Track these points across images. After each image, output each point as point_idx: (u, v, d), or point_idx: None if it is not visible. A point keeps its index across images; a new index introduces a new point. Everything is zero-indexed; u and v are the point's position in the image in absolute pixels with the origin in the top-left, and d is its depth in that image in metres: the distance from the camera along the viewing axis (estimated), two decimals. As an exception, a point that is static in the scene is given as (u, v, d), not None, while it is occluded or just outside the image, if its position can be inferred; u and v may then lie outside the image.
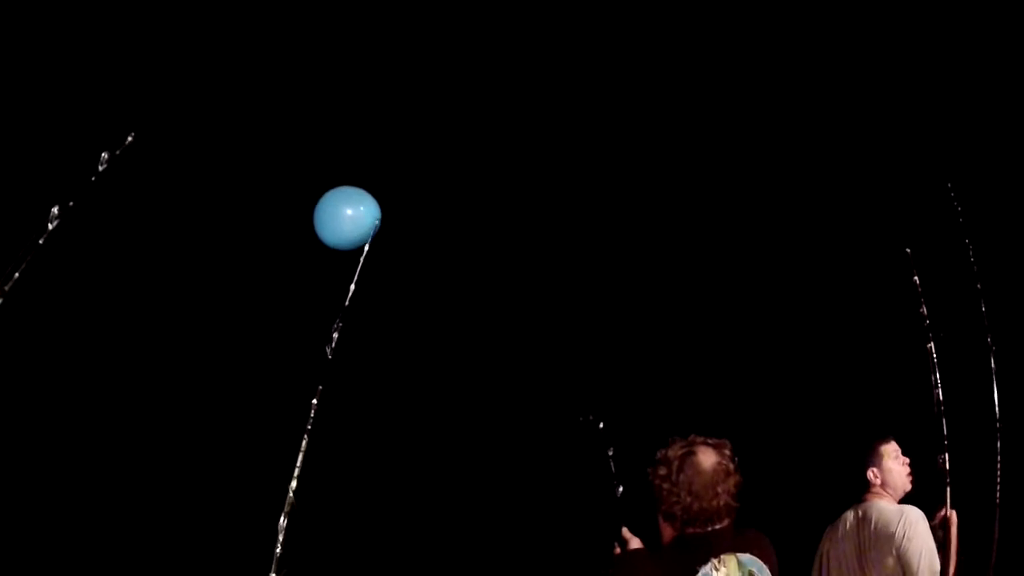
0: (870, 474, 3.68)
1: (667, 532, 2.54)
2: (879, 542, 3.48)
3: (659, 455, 2.54)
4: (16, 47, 4.01)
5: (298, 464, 2.84)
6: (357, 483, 4.55)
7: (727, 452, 2.53)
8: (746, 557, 2.47)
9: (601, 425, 3.56)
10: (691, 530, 2.48)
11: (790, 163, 4.87)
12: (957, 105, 4.61)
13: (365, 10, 4.71)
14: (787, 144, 4.87)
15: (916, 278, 3.75)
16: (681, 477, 2.46)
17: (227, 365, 4.47)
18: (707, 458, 2.49)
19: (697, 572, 2.42)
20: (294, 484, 2.83)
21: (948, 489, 3.72)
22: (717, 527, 2.48)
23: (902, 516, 3.49)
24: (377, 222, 3.23)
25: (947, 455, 3.77)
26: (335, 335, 2.95)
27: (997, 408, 4.19)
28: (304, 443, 2.84)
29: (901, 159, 4.54)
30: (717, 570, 2.44)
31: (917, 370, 3.86)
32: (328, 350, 2.94)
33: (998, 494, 4.20)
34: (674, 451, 2.52)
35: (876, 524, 3.52)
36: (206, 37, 4.34)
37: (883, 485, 3.68)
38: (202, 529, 4.16)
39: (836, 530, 3.70)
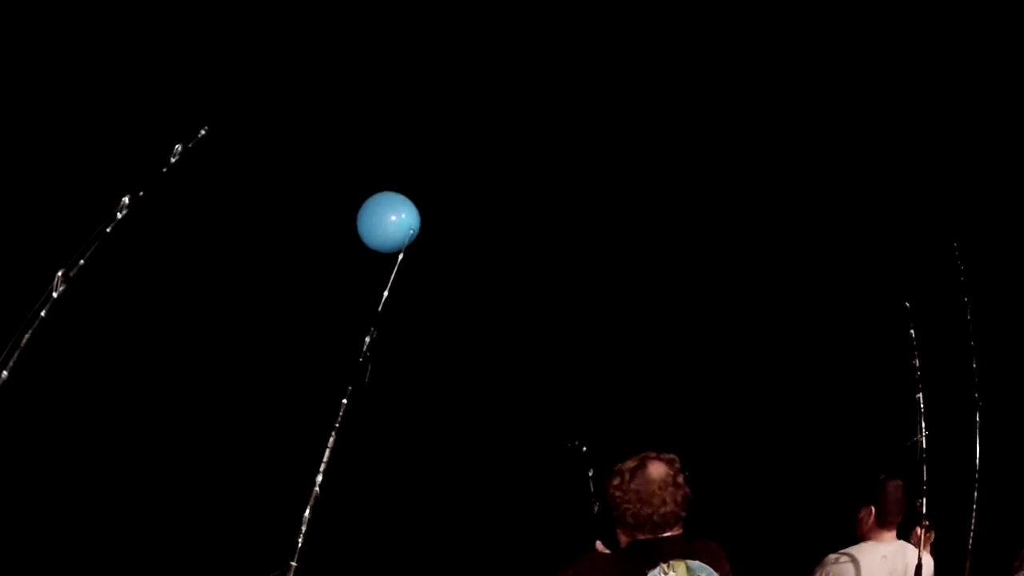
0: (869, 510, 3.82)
1: (622, 539, 2.76)
2: None
3: (615, 468, 2.79)
4: (93, 39, 4.15)
5: (325, 459, 3.03)
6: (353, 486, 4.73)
7: (676, 466, 2.77)
8: (695, 563, 2.63)
9: (584, 449, 3.82)
10: (642, 536, 2.69)
11: (802, 210, 5.03)
12: (969, 171, 4.77)
13: (405, 24, 4.85)
14: (801, 192, 5.02)
15: (912, 331, 3.93)
16: (632, 485, 2.70)
17: (262, 364, 4.64)
18: (656, 469, 2.73)
19: (646, 575, 2.59)
20: (320, 479, 3.03)
21: (923, 532, 3.91)
22: (667, 534, 2.69)
23: (926, 561, 3.69)
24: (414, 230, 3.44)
25: (924, 499, 3.97)
26: (368, 339, 3.13)
27: (978, 460, 4.42)
28: (332, 440, 3.03)
29: (913, 219, 4.70)
30: (665, 573, 2.60)
31: (905, 417, 4.06)
32: (364, 354, 3.12)
33: (971, 541, 4.41)
34: (627, 464, 2.78)
35: (912, 568, 3.68)
36: (263, 39, 4.48)
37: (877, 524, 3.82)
38: (229, 520, 4.35)
39: (856, 564, 3.73)
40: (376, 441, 4.79)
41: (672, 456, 2.80)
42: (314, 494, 3.01)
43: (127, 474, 4.44)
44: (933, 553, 3.91)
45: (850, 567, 3.72)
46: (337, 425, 3.06)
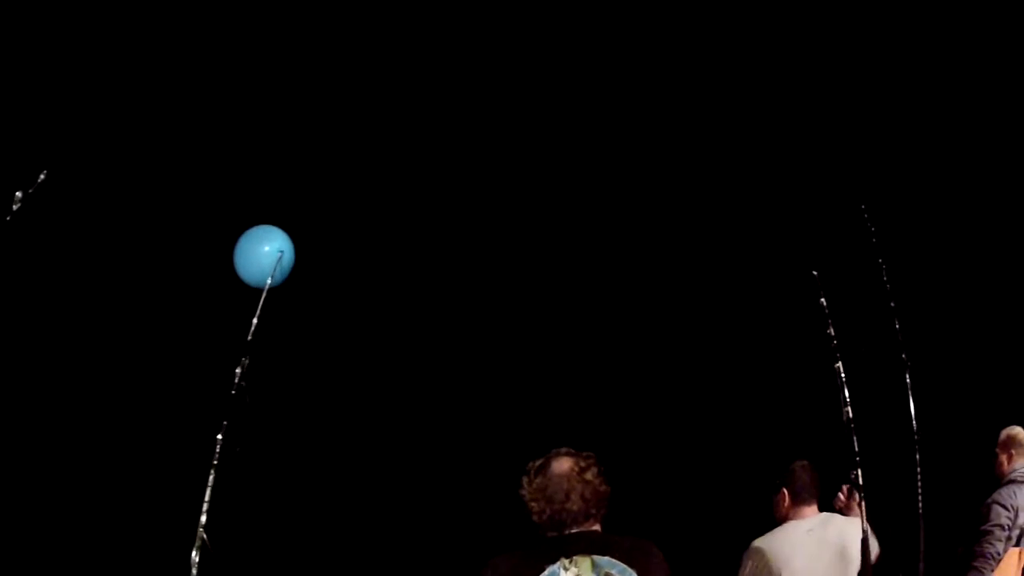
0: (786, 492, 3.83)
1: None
2: (848, 555, 3.66)
3: (526, 467, 2.61)
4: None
5: (206, 499, 2.96)
6: (270, 518, 4.68)
7: (586, 461, 2.57)
8: (604, 559, 2.43)
9: None
10: (550, 534, 2.52)
11: (698, 185, 4.95)
12: (868, 127, 4.72)
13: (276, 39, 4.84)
14: (695, 166, 4.94)
15: (823, 300, 3.86)
16: (535, 483, 2.54)
17: (133, 401, 4.59)
18: (560, 465, 2.55)
19: (544, 571, 2.41)
20: (203, 519, 2.96)
21: (863, 504, 3.84)
22: (575, 530, 2.51)
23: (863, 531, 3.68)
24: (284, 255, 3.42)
25: (859, 471, 3.90)
26: (239, 370, 3.08)
27: (914, 422, 4.33)
28: (211, 478, 2.96)
29: (813, 183, 4.64)
30: (567, 570, 2.41)
31: (830, 389, 3.98)
32: (236, 386, 3.06)
33: (920, 506, 4.32)
34: (535, 462, 2.60)
35: (845, 538, 3.70)
36: (109, 71, 4.48)
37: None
38: (114, 565, 4.27)
39: (783, 543, 3.74)
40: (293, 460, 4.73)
41: (587, 453, 2.61)
42: (199, 535, 2.92)
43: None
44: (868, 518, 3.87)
45: (778, 547, 3.73)
46: (216, 462, 2.98)
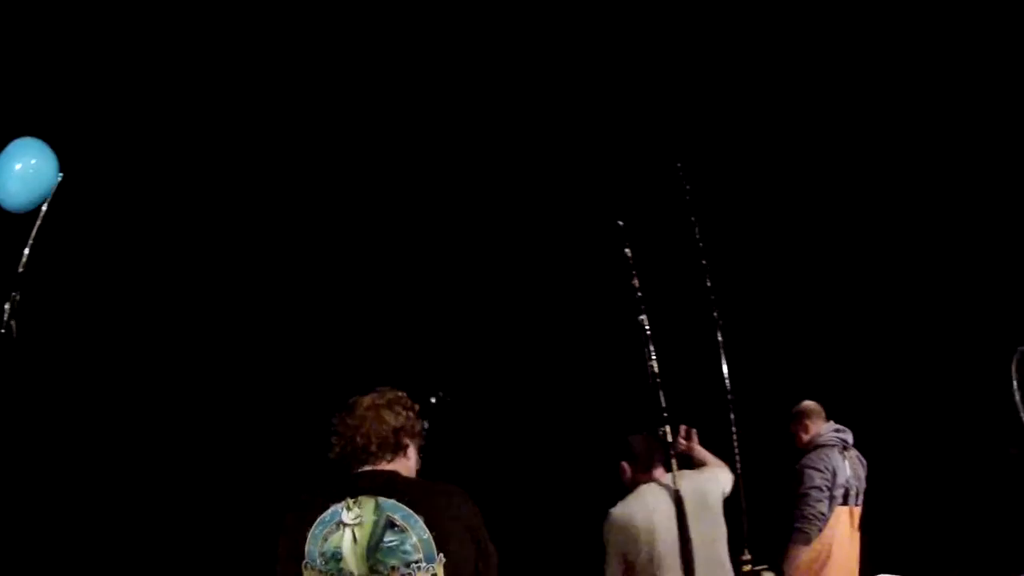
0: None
1: None
2: (708, 502, 3.63)
3: None
4: None
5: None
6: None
7: (386, 397, 2.58)
8: (389, 502, 2.39)
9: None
10: (354, 468, 2.51)
11: (509, 138, 4.90)
12: (687, 89, 4.74)
13: None
14: (505, 113, 4.88)
15: (628, 250, 3.82)
16: (337, 421, 2.55)
17: None
18: (364, 399, 2.57)
19: (327, 509, 2.38)
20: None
21: (674, 461, 3.82)
22: (367, 468, 2.49)
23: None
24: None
25: (668, 427, 3.88)
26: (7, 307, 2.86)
27: (727, 380, 4.36)
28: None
29: (629, 142, 4.64)
30: (349, 510, 2.38)
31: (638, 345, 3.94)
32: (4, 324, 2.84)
33: (738, 464, 4.34)
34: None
35: (703, 488, 3.67)
36: None
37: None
38: None
39: (640, 508, 3.62)
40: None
41: (399, 392, 2.61)
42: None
43: None
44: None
45: (638, 507, 3.63)
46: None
